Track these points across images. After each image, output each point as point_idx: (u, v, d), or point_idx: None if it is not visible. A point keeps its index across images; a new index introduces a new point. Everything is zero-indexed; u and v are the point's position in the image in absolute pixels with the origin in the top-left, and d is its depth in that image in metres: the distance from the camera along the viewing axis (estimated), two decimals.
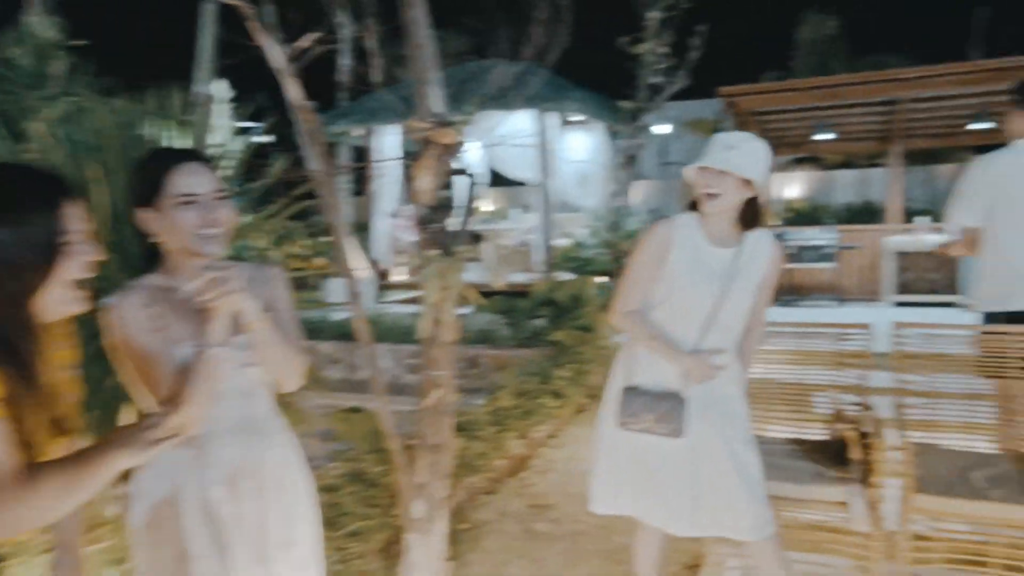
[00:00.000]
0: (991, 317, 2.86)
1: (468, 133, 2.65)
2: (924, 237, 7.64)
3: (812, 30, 20.13)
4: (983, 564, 2.18)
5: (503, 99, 8.74)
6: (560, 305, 5.40)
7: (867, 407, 2.45)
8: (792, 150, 10.66)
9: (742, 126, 8.82)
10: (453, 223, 2.84)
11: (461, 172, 2.97)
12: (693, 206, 1.99)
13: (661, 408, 1.92)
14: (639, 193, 14.45)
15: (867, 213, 12.03)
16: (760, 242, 1.99)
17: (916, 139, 9.77)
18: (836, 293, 8.12)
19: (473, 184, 3.02)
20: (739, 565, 2.44)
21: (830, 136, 9.17)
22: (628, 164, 9.93)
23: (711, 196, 1.90)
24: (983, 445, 2.63)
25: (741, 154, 1.87)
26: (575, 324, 5.22)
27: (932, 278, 7.69)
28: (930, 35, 20.43)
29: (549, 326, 5.18)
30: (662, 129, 13.53)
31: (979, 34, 14.68)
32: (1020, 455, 2.43)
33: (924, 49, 13.56)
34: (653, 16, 8.94)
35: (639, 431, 1.95)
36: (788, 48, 20.38)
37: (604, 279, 8.61)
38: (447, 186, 2.87)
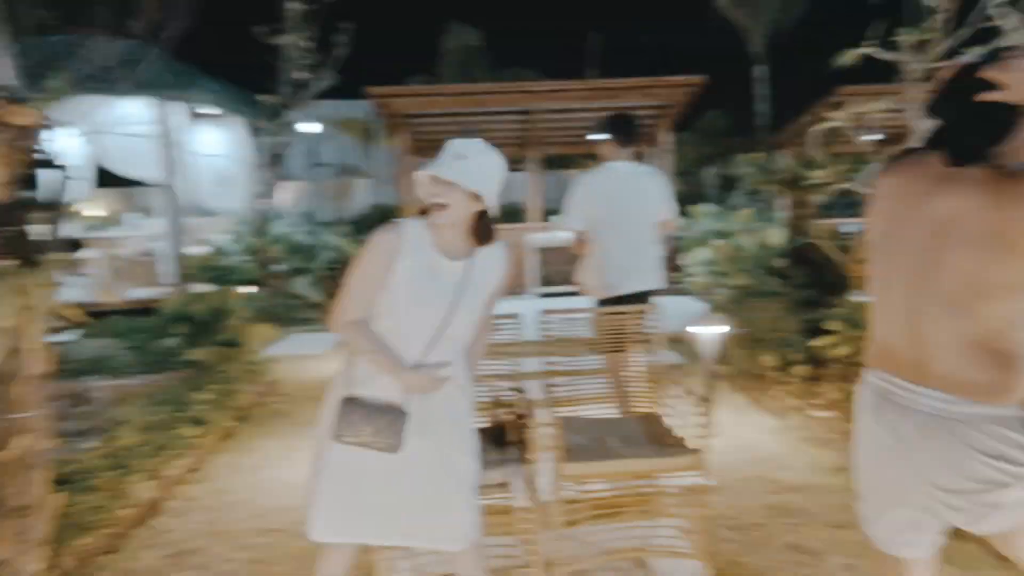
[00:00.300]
0: (603, 302, 3.66)
1: (60, 117, 2.32)
2: (559, 235, 8.96)
3: (456, 40, 22.15)
4: (621, 515, 2.61)
5: (109, 81, 7.67)
6: (198, 321, 4.94)
7: (520, 391, 2.74)
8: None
9: (393, 128, 9.25)
10: (40, 227, 2.49)
11: (48, 164, 2.50)
12: (424, 212, 1.96)
13: (380, 421, 1.90)
14: (287, 195, 14.08)
15: (513, 213, 13.58)
16: (492, 253, 2.03)
17: (550, 146, 11.44)
18: None
19: (65, 178, 2.57)
20: (409, 567, 2.51)
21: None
22: (273, 164, 9.58)
23: (439, 206, 1.90)
24: (613, 412, 3.17)
25: (471, 165, 1.89)
26: (217, 340, 4.82)
27: (568, 271, 9.06)
28: (559, 54, 24.10)
29: (184, 345, 4.68)
30: (311, 128, 13.38)
31: (594, 56, 17.70)
32: (637, 415, 2.98)
33: (553, 66, 15.94)
34: (294, 7, 8.77)
35: (356, 444, 1.90)
36: (434, 55, 22.09)
37: (251, 289, 8.16)
38: (29, 181, 2.46)
